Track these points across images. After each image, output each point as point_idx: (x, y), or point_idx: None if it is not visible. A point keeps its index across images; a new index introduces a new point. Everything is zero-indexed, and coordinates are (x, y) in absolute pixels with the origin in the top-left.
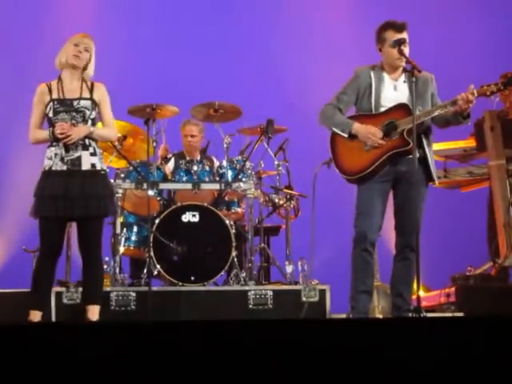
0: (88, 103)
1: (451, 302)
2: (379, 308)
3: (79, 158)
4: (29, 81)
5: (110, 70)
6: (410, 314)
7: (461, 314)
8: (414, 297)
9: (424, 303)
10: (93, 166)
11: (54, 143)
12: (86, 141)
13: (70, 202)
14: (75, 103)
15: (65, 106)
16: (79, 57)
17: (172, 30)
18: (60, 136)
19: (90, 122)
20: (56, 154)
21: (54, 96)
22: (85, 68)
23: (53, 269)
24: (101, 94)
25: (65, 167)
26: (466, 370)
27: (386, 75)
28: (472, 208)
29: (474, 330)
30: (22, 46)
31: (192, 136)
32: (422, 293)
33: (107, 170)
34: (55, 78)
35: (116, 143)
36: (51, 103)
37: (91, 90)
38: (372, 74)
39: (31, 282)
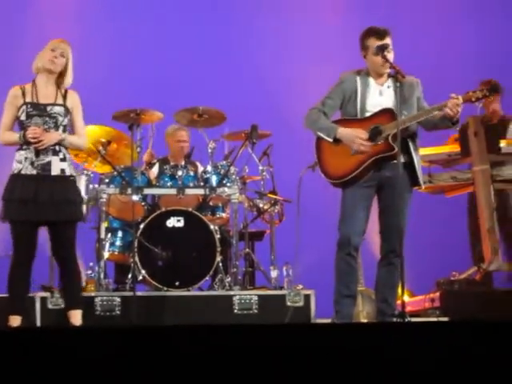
0: (61, 110)
1: (436, 306)
2: (364, 313)
3: (49, 163)
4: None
5: (94, 75)
6: (395, 319)
7: (446, 319)
8: (399, 302)
9: (408, 308)
10: (62, 171)
11: (24, 146)
12: (57, 146)
13: (41, 206)
14: (49, 108)
15: (38, 110)
16: (55, 62)
17: (156, 34)
18: (32, 140)
19: (61, 128)
20: (26, 158)
21: (28, 99)
22: (61, 74)
23: (28, 273)
24: (74, 101)
25: (35, 171)
26: (451, 375)
27: (371, 80)
28: (456, 213)
29: (459, 335)
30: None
31: (184, 141)
32: (406, 298)
33: (75, 176)
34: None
35: (100, 148)
36: (24, 106)
37: (65, 97)
38: (358, 79)
39: (7, 287)
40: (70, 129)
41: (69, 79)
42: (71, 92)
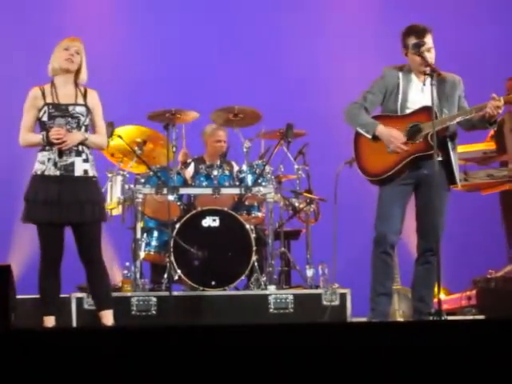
0: (83, 109)
1: (472, 304)
2: (400, 312)
3: (72, 164)
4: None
5: (130, 76)
6: (431, 318)
7: (482, 317)
8: (435, 300)
9: (445, 306)
10: (85, 172)
11: (47, 147)
12: (79, 147)
13: (64, 207)
14: (70, 108)
15: (60, 110)
16: (72, 60)
17: (191, 34)
18: (55, 141)
19: (83, 128)
20: (49, 159)
21: (49, 100)
22: (77, 72)
23: (57, 273)
24: (94, 100)
25: (58, 172)
26: (488, 374)
27: (414, 77)
28: (492, 211)
29: (496, 333)
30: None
31: (224, 141)
32: (443, 296)
33: (97, 177)
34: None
35: (136, 148)
36: (45, 107)
37: (85, 96)
38: (400, 75)
39: (38, 288)
40: (91, 128)
41: (84, 76)
42: (91, 91)
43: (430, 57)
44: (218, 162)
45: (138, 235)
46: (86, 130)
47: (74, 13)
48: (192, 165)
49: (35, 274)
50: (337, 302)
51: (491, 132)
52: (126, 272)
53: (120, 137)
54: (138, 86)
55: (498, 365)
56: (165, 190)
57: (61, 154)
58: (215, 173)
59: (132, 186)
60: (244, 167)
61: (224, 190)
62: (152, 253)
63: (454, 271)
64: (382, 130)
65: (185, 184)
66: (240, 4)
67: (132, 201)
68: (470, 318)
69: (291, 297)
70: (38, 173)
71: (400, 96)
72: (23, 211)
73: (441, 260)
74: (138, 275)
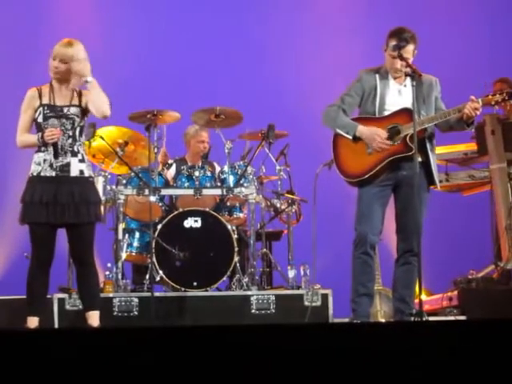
0: (77, 110)
1: (454, 305)
2: (381, 312)
3: (68, 165)
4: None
5: (111, 77)
6: (413, 318)
7: (463, 318)
8: (416, 301)
9: (426, 307)
10: (81, 172)
11: (43, 148)
12: (75, 147)
13: (61, 208)
14: (65, 110)
15: (54, 112)
16: (56, 71)
17: (172, 34)
18: (50, 141)
19: (78, 129)
20: (45, 160)
21: (45, 101)
22: (67, 76)
23: (46, 275)
24: (87, 97)
25: (54, 173)
26: (469, 374)
27: (390, 79)
28: (473, 211)
29: (477, 334)
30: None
31: (206, 142)
32: (424, 296)
33: (94, 177)
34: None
35: (117, 149)
36: (41, 108)
37: (80, 97)
38: (377, 77)
39: (26, 288)
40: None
41: (76, 80)
42: (85, 92)
43: (402, 64)
44: (200, 163)
45: (120, 236)
46: (81, 132)
47: (52, 13)
48: (174, 166)
49: (12, 277)
50: (318, 303)
51: (473, 133)
52: (107, 273)
53: (102, 138)
54: (120, 87)
55: (480, 365)
56: (146, 191)
57: (56, 154)
58: (197, 174)
59: (114, 187)
60: (226, 168)
61: (206, 191)
62: (134, 254)
63: (435, 272)
64: (362, 129)
65: (166, 185)
66: (221, 4)
67: (114, 202)
68: (452, 318)
69: (273, 297)
70: (34, 174)
71: (378, 98)
72: (20, 213)
73: (422, 261)
74: (119, 276)
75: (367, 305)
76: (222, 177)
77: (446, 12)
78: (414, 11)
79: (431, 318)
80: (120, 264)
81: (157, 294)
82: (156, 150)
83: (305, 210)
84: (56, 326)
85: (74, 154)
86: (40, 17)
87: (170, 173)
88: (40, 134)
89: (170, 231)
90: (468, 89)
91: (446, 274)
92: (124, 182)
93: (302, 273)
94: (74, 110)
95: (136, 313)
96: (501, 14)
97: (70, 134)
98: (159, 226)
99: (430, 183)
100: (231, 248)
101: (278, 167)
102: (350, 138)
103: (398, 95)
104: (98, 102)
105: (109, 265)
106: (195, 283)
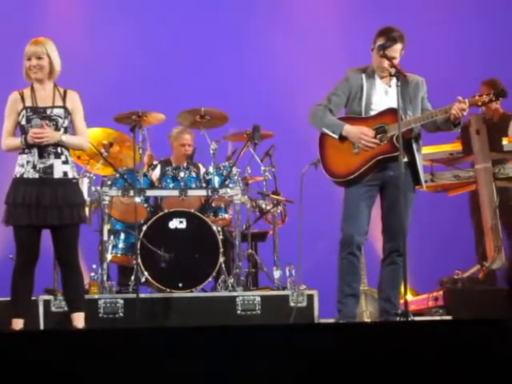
0: (61, 111)
1: (439, 305)
2: (367, 313)
3: (51, 166)
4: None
5: (96, 78)
6: (398, 318)
7: (449, 318)
8: (402, 301)
9: (412, 307)
10: (65, 174)
11: (26, 150)
12: (59, 149)
13: (44, 210)
14: (48, 111)
15: (38, 113)
16: (35, 70)
17: (157, 35)
18: (35, 141)
19: (62, 130)
20: (28, 162)
21: (27, 104)
22: (50, 72)
23: (31, 277)
24: (74, 102)
25: (37, 175)
26: (455, 374)
27: (377, 79)
28: (459, 211)
29: (463, 334)
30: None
31: (188, 145)
32: (409, 297)
33: (78, 178)
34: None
35: (102, 150)
36: (24, 111)
37: (64, 98)
38: (363, 77)
39: (10, 290)
40: (72, 130)
41: (55, 74)
42: (71, 92)
43: (388, 63)
44: (185, 164)
45: (105, 237)
46: (66, 132)
47: (37, 15)
48: (158, 167)
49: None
50: (304, 304)
51: (458, 133)
52: (92, 274)
53: None
54: (105, 89)
55: (466, 365)
56: (131, 192)
57: (40, 156)
58: (182, 174)
59: (98, 188)
60: (211, 169)
61: (191, 192)
62: (119, 255)
63: (420, 272)
64: (349, 128)
65: (151, 186)
66: (205, 5)
67: (99, 203)
68: (437, 318)
69: (259, 298)
70: (18, 176)
71: (364, 98)
72: (4, 214)
73: (407, 261)
74: (104, 277)
75: (353, 305)
76: (207, 178)
77: (435, 11)
78: (403, 11)
79: (417, 318)
80: (105, 265)
81: (142, 295)
82: (141, 151)
83: (290, 210)
84: (41, 327)
85: (58, 156)
86: (25, 21)
87: (155, 174)
88: (23, 136)
89: (155, 232)
90: (458, 89)
91: (432, 275)
92: (109, 183)
93: (288, 273)
94: (57, 111)
95: (121, 314)
96: (491, 14)
97: None
98: (144, 227)
99: (416, 183)
100: (216, 249)
101: (263, 168)
102: (337, 137)
103: (384, 95)
104: (76, 147)
105: (94, 266)
106: (180, 284)
